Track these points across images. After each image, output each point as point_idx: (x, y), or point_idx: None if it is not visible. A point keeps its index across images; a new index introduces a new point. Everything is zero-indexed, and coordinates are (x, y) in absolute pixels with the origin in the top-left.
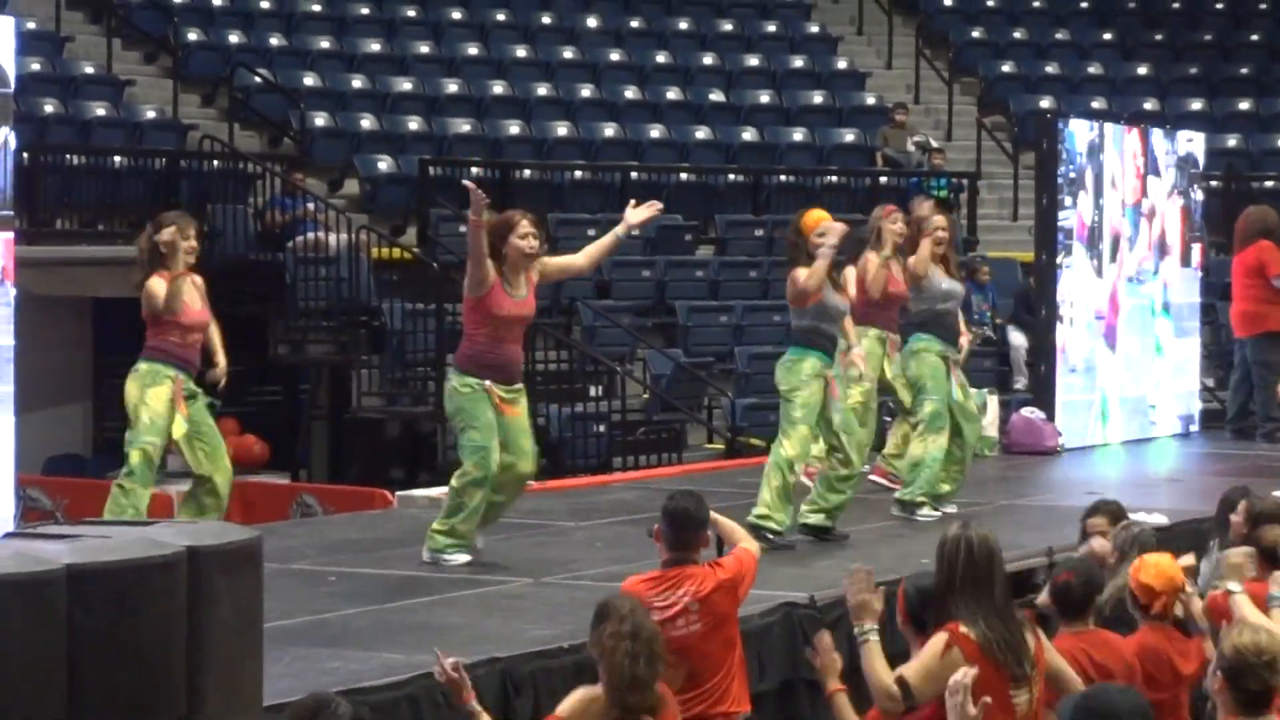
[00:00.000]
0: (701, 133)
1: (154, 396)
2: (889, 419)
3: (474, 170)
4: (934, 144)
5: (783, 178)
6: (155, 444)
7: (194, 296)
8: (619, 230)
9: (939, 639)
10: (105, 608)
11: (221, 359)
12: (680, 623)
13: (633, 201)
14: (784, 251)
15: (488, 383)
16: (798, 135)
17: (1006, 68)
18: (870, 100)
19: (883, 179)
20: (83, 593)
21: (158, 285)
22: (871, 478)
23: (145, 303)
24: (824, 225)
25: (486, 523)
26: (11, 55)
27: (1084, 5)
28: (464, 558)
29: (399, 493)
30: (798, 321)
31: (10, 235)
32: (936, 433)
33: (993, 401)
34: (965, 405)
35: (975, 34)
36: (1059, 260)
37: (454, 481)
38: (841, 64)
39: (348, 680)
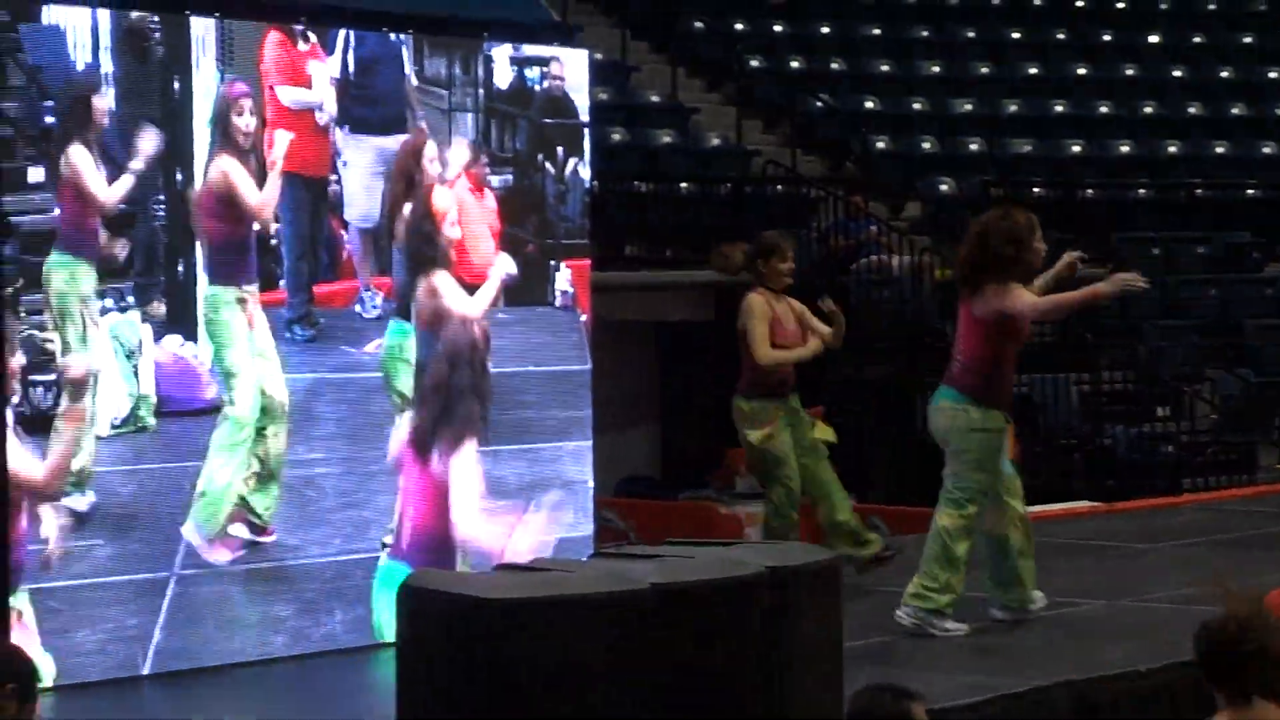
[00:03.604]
0: (1268, 148)
1: (767, 437)
2: None
3: (1035, 190)
4: None
5: None
6: (789, 476)
7: (788, 317)
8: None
9: None
10: (690, 626)
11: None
12: None
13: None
14: None
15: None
16: None
17: None
18: None
19: None
20: (668, 611)
21: (756, 302)
22: None
23: (741, 318)
24: None
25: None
26: (585, 87)
27: None
28: (960, 627)
29: None
30: None
31: (586, 262)
32: None
33: None
34: None
35: None
36: None
37: (943, 521)
38: None
39: (929, 701)
